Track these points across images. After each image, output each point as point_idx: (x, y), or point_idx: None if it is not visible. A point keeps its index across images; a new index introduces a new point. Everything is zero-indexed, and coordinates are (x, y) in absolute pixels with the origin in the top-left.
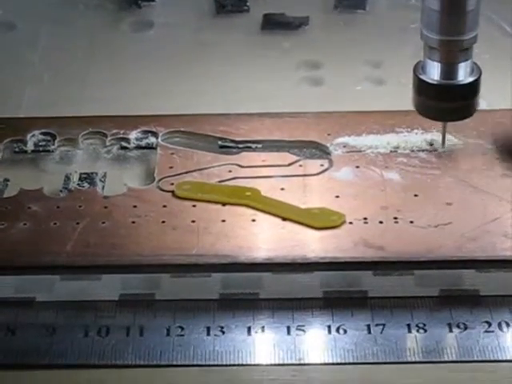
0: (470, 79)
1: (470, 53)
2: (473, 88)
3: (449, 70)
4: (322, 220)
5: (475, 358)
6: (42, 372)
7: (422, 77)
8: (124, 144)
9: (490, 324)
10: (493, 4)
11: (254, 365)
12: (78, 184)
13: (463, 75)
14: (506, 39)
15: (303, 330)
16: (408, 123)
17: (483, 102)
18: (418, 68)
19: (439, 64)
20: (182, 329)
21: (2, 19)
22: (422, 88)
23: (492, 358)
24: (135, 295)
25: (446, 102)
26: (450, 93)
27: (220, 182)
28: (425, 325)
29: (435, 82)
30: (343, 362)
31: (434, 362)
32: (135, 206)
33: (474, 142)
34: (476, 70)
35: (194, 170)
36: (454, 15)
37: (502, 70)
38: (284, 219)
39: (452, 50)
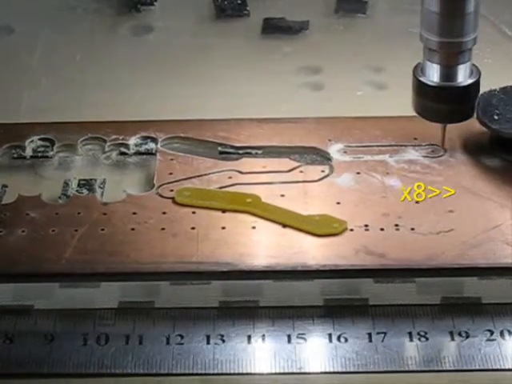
0: (469, 81)
1: (469, 55)
2: (472, 90)
3: (448, 72)
4: (323, 227)
5: (477, 367)
6: (40, 381)
7: (422, 79)
8: (123, 150)
9: (492, 332)
10: (493, 6)
11: (255, 374)
12: (77, 190)
13: (462, 77)
14: (507, 42)
15: (304, 339)
16: (409, 128)
17: None
18: (418, 70)
19: (438, 66)
20: (182, 337)
21: (0, 23)
22: (422, 90)
23: (494, 367)
24: (134, 303)
25: (446, 103)
26: (449, 95)
27: (220, 188)
28: (426, 333)
29: (435, 84)
30: (344, 370)
31: (435, 370)
32: (134, 213)
33: (475, 149)
34: (475, 71)
35: (194, 177)
36: (453, 17)
37: (502, 73)
38: (284, 226)
39: (451, 52)
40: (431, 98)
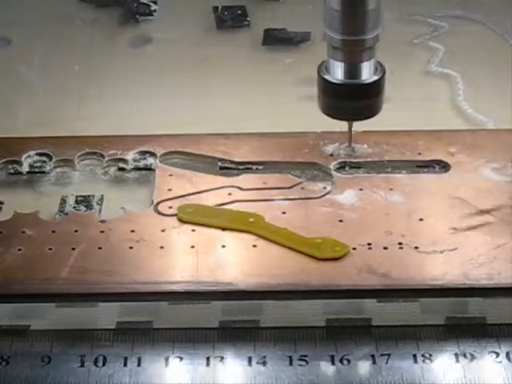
0: (374, 78)
1: (373, 52)
2: (376, 87)
3: (352, 70)
4: (325, 251)
5: None
6: None
7: (326, 76)
8: (121, 165)
9: (497, 354)
10: (495, 15)
11: None
12: (74, 207)
13: (367, 74)
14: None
15: (306, 361)
16: (412, 143)
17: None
18: (322, 68)
19: (342, 64)
20: (181, 359)
21: None
22: (326, 88)
23: None
24: (133, 323)
25: (350, 101)
26: (353, 92)
27: (220, 205)
28: (431, 355)
29: (339, 82)
30: None
31: None
32: (133, 231)
33: (480, 163)
34: (380, 69)
35: (193, 193)
36: (353, 14)
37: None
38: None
39: (354, 50)
40: (336, 95)
